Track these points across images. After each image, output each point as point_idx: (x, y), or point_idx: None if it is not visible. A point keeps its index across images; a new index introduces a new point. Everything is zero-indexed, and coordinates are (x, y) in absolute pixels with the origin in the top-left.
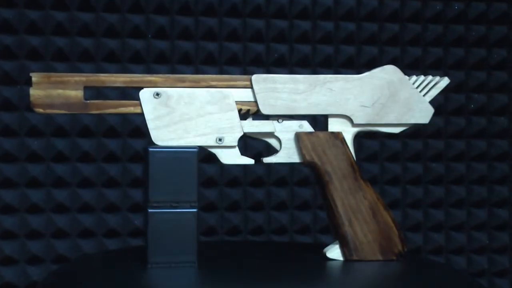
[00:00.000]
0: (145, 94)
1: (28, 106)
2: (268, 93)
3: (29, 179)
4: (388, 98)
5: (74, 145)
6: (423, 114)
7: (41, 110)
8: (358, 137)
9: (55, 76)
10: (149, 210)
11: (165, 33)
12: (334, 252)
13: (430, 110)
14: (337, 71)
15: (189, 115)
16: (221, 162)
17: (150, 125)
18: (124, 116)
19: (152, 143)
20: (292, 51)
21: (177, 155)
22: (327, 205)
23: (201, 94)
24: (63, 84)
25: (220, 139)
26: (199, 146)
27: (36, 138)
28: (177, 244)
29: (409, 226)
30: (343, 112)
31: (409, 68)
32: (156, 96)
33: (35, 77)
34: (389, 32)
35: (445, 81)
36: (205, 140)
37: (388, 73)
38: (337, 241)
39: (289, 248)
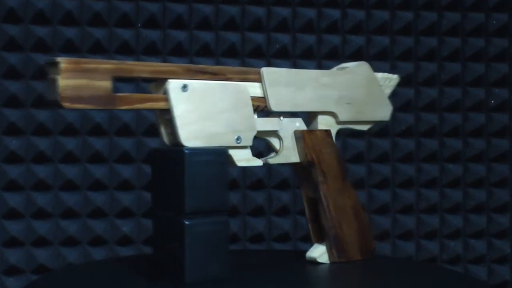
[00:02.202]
0: (173, 86)
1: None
2: (279, 88)
3: (6, 182)
4: (365, 95)
5: (57, 145)
6: (386, 111)
7: (68, 105)
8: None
9: (84, 62)
10: (186, 222)
11: (156, 21)
12: (323, 256)
13: (391, 107)
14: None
15: (212, 111)
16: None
17: (178, 122)
18: (111, 112)
19: (163, 144)
20: (295, 42)
21: (210, 157)
22: (318, 206)
23: (220, 88)
24: (91, 73)
25: (238, 138)
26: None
27: (14, 137)
28: (213, 257)
29: (424, 233)
30: (331, 109)
31: (424, 59)
32: (184, 89)
33: (64, 62)
34: (402, 21)
35: (395, 79)
36: (226, 139)
37: (365, 69)
38: (318, 244)
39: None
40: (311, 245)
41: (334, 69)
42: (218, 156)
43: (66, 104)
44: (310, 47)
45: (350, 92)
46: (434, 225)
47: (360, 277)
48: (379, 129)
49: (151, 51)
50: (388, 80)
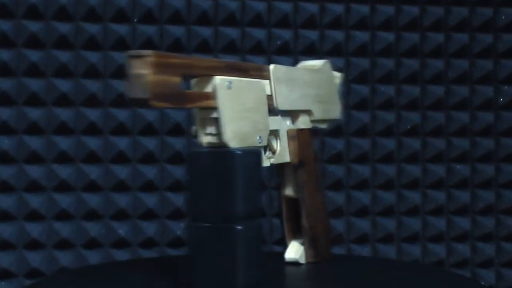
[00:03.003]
0: (220, 83)
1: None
2: (282, 85)
3: None
4: (329, 93)
5: (51, 145)
6: (339, 109)
7: (155, 103)
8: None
9: (168, 57)
10: (238, 227)
11: (152, 17)
12: (303, 256)
13: (341, 105)
14: (348, 60)
15: (244, 110)
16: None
17: (225, 121)
18: (106, 110)
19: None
20: (297, 38)
21: (255, 158)
22: (298, 206)
23: (249, 85)
24: (172, 68)
25: (260, 138)
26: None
27: (6, 137)
28: (257, 261)
29: (430, 236)
30: (310, 107)
31: (431, 56)
32: (229, 86)
33: (153, 56)
34: (407, 16)
35: (339, 78)
36: (252, 139)
37: (328, 68)
38: (294, 244)
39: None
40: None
41: (299, 66)
42: (258, 157)
43: (154, 103)
44: (312, 43)
45: (321, 90)
46: (441, 227)
47: (366, 281)
48: (383, 129)
49: (148, 47)
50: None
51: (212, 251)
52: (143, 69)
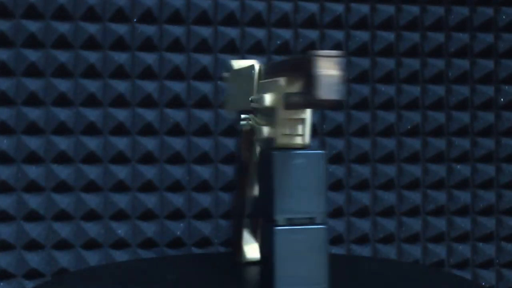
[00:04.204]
0: None
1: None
2: None
3: None
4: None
5: (50, 145)
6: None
7: (335, 106)
8: None
9: (339, 55)
10: (276, 228)
11: (152, 16)
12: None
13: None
14: (348, 60)
15: None
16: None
17: (309, 122)
18: (105, 110)
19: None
20: (297, 37)
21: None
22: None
23: None
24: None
25: None
26: None
27: (5, 137)
28: (307, 266)
29: (431, 236)
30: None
31: (431, 55)
32: None
33: (340, 55)
34: (408, 15)
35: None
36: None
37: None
38: (251, 244)
39: None
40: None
41: (234, 66)
42: (316, 157)
43: (340, 103)
44: (312, 42)
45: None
46: (442, 228)
47: (367, 281)
48: (383, 129)
49: (147, 47)
50: None
51: (264, 247)
52: (334, 70)
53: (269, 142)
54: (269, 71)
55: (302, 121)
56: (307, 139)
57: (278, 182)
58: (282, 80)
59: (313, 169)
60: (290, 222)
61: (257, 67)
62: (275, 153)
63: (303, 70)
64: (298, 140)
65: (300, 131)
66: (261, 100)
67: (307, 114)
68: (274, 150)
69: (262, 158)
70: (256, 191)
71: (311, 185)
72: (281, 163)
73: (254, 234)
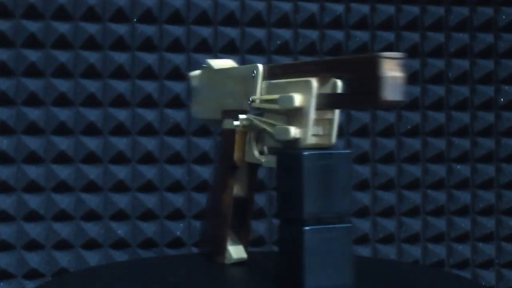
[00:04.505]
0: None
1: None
2: None
3: None
4: None
5: (50, 145)
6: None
7: (395, 106)
8: None
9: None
10: (305, 228)
11: (152, 16)
12: (245, 253)
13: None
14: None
15: None
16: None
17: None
18: (105, 110)
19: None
20: (297, 38)
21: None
22: (245, 206)
23: None
24: None
25: None
26: None
27: (5, 137)
28: (334, 265)
29: (431, 236)
30: None
31: (431, 55)
32: None
33: (402, 58)
34: (408, 16)
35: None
36: None
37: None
38: (237, 244)
39: None
40: None
41: (214, 66)
42: (342, 157)
43: (397, 105)
44: (312, 43)
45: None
46: (442, 228)
47: (367, 281)
48: (383, 129)
49: (147, 47)
50: None
51: (288, 247)
52: (398, 72)
53: (292, 142)
54: (280, 72)
55: (330, 121)
56: (333, 139)
57: (307, 182)
58: (313, 81)
59: (341, 169)
60: (319, 221)
61: (260, 67)
62: (306, 154)
63: (365, 71)
64: (326, 140)
65: (327, 131)
66: (286, 100)
67: (335, 114)
68: (304, 150)
69: (286, 158)
70: (243, 191)
71: (338, 184)
72: (311, 164)
73: (236, 234)
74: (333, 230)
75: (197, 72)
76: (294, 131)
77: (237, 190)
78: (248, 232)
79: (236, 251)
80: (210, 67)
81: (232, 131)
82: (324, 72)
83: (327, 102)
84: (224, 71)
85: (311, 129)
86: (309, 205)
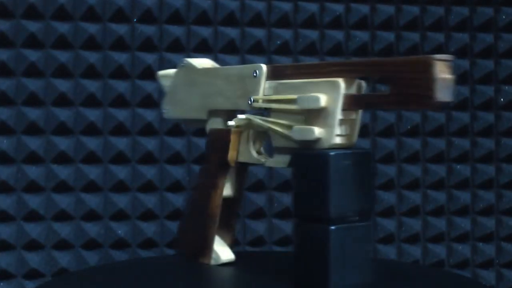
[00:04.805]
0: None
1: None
2: None
3: None
4: None
5: (50, 145)
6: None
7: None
8: None
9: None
10: (331, 227)
11: (152, 16)
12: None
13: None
14: (348, 60)
15: None
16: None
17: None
18: (105, 110)
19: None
20: (297, 38)
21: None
22: (232, 206)
23: None
24: None
25: None
26: None
27: (5, 137)
28: (357, 262)
29: (431, 236)
30: None
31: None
32: None
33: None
34: (408, 16)
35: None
36: None
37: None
38: (223, 245)
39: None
40: None
41: (197, 66)
42: (364, 157)
43: (446, 106)
44: (312, 43)
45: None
46: (442, 228)
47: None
48: (383, 129)
49: (147, 47)
50: None
51: (311, 247)
52: (449, 74)
53: (312, 142)
54: (292, 73)
55: (353, 121)
56: (355, 139)
57: (334, 182)
58: (341, 81)
59: (363, 168)
60: (343, 220)
61: (264, 67)
62: (333, 154)
63: (418, 73)
64: (348, 140)
65: (350, 131)
66: (309, 100)
67: (359, 115)
68: (330, 150)
69: (308, 158)
70: (230, 191)
71: (361, 183)
72: (337, 163)
73: (222, 234)
74: (357, 228)
75: (169, 71)
76: (318, 131)
77: (225, 190)
78: (234, 233)
79: (223, 252)
80: (190, 66)
81: (226, 130)
82: (353, 72)
83: (363, 102)
84: (212, 71)
85: (337, 129)
86: (335, 204)
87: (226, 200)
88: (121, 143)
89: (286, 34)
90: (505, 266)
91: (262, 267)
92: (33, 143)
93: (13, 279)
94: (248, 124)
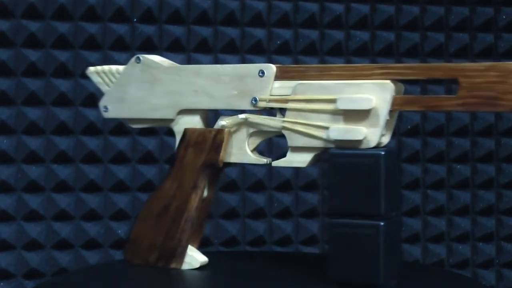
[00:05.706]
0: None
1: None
2: None
3: None
4: None
5: (50, 145)
6: None
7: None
8: None
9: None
10: (381, 224)
11: (152, 16)
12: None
13: None
14: (349, 59)
15: None
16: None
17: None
18: None
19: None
20: (297, 37)
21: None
22: (206, 206)
23: None
24: None
25: None
26: None
27: (5, 137)
28: (396, 255)
29: (431, 236)
30: None
31: (431, 55)
32: None
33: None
34: (408, 15)
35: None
36: None
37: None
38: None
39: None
40: (314, 248)
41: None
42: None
43: None
44: (312, 43)
45: None
46: (442, 228)
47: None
48: None
49: (147, 47)
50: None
51: (354, 244)
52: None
53: (351, 142)
54: (317, 74)
55: (391, 121)
56: (389, 138)
57: (384, 180)
58: (390, 83)
59: (395, 165)
60: (387, 216)
61: (273, 67)
62: (383, 153)
63: (495, 77)
64: (385, 140)
65: (387, 131)
66: (360, 101)
67: (396, 115)
68: (378, 150)
69: (352, 157)
70: (207, 192)
71: (395, 180)
72: (386, 162)
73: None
74: (395, 223)
75: (104, 67)
76: (365, 131)
77: (209, 190)
78: (201, 234)
79: (197, 256)
80: (151, 63)
81: (215, 130)
82: (399, 75)
83: (423, 104)
84: (187, 69)
85: (383, 129)
86: (386, 200)
87: (202, 201)
88: (121, 143)
89: (286, 34)
90: (505, 266)
91: (238, 268)
92: (33, 143)
93: (13, 279)
94: (245, 123)
